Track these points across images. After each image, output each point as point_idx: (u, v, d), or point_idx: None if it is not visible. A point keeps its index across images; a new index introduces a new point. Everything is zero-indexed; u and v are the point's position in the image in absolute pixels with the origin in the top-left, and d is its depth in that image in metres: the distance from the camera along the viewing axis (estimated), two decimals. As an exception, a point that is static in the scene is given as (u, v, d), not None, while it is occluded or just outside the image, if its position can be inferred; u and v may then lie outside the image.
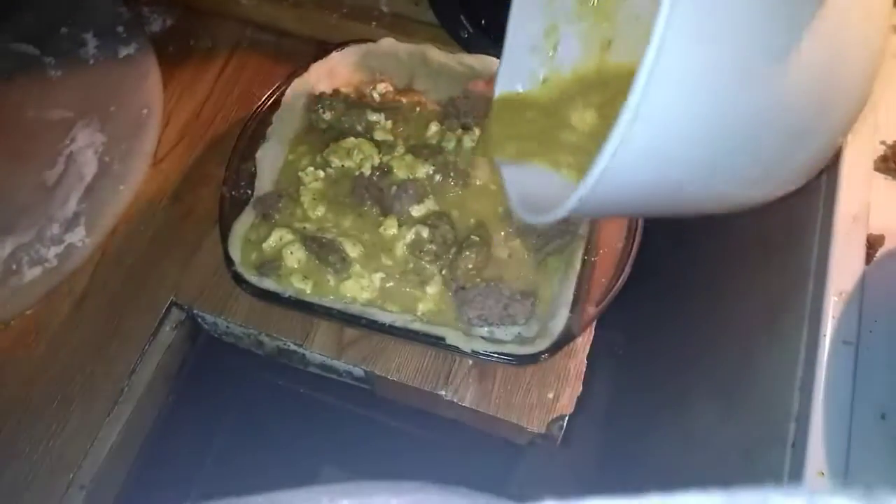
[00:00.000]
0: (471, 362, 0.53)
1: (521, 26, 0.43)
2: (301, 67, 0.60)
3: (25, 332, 0.56)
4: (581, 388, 0.53)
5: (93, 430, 0.53)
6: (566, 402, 0.52)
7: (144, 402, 0.56)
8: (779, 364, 0.60)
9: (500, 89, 0.45)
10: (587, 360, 0.54)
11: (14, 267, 0.57)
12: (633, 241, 0.51)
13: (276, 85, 0.60)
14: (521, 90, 0.45)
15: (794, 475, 0.52)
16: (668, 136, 0.27)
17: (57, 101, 0.64)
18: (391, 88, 0.60)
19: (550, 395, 0.52)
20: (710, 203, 0.35)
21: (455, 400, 0.52)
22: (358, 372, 0.55)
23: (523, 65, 0.44)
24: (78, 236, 0.58)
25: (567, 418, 0.52)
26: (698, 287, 0.70)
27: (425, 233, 0.51)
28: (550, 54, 0.44)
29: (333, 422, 0.65)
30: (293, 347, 0.56)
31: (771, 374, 0.60)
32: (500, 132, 0.44)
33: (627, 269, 0.50)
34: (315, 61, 0.61)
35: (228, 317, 0.56)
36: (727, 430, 0.62)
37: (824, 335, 0.55)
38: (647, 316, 0.69)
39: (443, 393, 0.53)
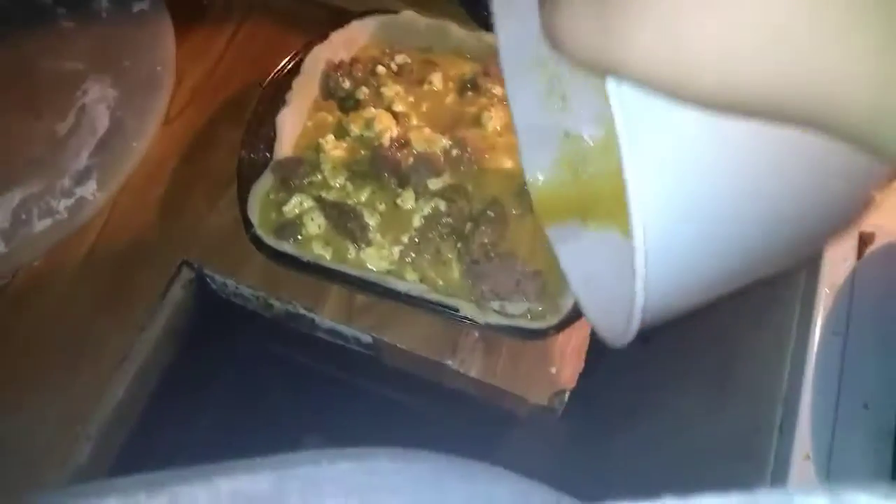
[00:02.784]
0: (477, 334, 0.54)
1: (521, 92, 0.40)
2: (320, 35, 0.61)
3: (33, 284, 0.56)
4: (583, 365, 0.55)
5: (101, 385, 0.54)
6: (568, 377, 0.54)
7: (151, 359, 0.56)
8: (769, 353, 0.62)
9: (527, 172, 0.42)
10: (589, 337, 0.56)
11: (23, 217, 0.57)
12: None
13: (296, 51, 0.60)
14: (541, 178, 0.41)
15: (782, 458, 0.55)
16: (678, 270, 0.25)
17: (69, 53, 0.64)
18: (409, 60, 0.61)
19: (553, 370, 0.54)
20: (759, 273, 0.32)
21: (461, 370, 0.54)
22: (366, 339, 0.56)
23: (539, 127, 0.40)
24: (89, 190, 0.58)
25: (568, 392, 0.54)
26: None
27: (442, 206, 0.52)
28: (560, 106, 0.40)
29: (333, 390, 0.66)
30: (303, 312, 0.56)
31: (761, 362, 0.63)
32: (541, 208, 0.41)
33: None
34: (332, 29, 0.61)
35: (240, 278, 0.56)
36: (719, 415, 0.65)
37: (815, 325, 0.58)
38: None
39: (449, 363, 0.54)
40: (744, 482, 0.58)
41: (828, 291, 0.58)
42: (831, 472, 0.54)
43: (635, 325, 0.27)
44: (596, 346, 0.57)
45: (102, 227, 0.59)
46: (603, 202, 0.39)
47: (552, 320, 0.50)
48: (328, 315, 0.56)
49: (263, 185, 0.53)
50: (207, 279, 0.58)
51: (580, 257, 0.39)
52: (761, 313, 0.64)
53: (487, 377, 0.54)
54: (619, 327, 0.30)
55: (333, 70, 0.59)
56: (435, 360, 0.54)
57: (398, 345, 0.55)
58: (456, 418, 0.63)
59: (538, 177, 0.40)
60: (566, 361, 0.54)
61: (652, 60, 0.20)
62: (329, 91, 0.59)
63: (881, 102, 0.17)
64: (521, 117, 0.40)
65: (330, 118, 0.57)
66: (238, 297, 0.59)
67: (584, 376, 0.56)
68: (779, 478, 0.55)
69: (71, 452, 0.51)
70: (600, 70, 0.21)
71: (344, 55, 0.61)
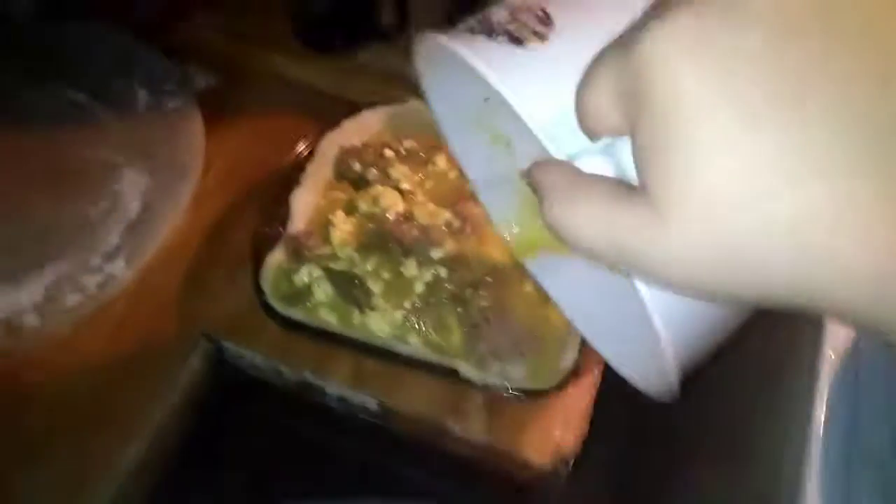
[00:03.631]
0: (481, 399, 0.55)
1: (468, 150, 0.40)
2: (334, 123, 0.66)
3: (61, 355, 0.60)
4: (587, 429, 0.55)
5: (115, 452, 0.56)
6: (571, 441, 0.54)
7: (168, 429, 0.59)
8: (780, 421, 0.62)
9: (496, 224, 0.41)
10: (595, 402, 0.56)
11: (55, 293, 0.61)
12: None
13: (311, 138, 0.65)
14: (513, 228, 0.40)
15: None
16: None
17: (106, 145, 0.70)
18: (416, 144, 0.65)
19: (557, 433, 0.55)
20: None
21: (464, 434, 0.55)
22: (373, 405, 0.58)
23: (493, 177, 0.40)
24: (118, 268, 0.63)
25: (573, 458, 0.54)
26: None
27: (443, 273, 0.55)
28: (506, 151, 0.39)
29: (345, 462, 0.67)
30: (311, 380, 0.59)
31: (773, 431, 0.62)
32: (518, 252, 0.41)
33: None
34: (345, 118, 0.67)
35: (254, 349, 0.59)
36: (733, 486, 0.64)
37: (821, 391, 0.58)
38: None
39: (453, 426, 0.55)
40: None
41: (832, 356, 0.59)
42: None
43: (671, 365, 0.26)
44: (602, 410, 0.58)
45: (128, 301, 0.62)
46: None
47: (551, 381, 0.51)
48: (336, 382, 0.58)
49: (276, 257, 0.57)
50: (225, 351, 0.61)
51: (569, 289, 0.39)
52: (771, 379, 0.65)
53: (490, 441, 0.55)
54: (652, 371, 0.29)
55: (346, 154, 0.63)
56: (439, 423, 0.56)
57: (402, 409, 0.56)
58: (465, 490, 0.63)
59: (510, 226, 0.41)
60: (569, 425, 0.55)
61: (677, 271, 0.20)
62: (341, 173, 0.63)
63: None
64: (476, 174, 0.41)
65: (342, 196, 0.62)
66: (253, 369, 0.62)
67: (591, 442, 0.56)
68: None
69: (84, 517, 0.53)
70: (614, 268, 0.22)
71: (356, 141, 0.65)
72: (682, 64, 0.18)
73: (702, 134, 0.18)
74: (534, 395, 0.51)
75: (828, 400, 0.59)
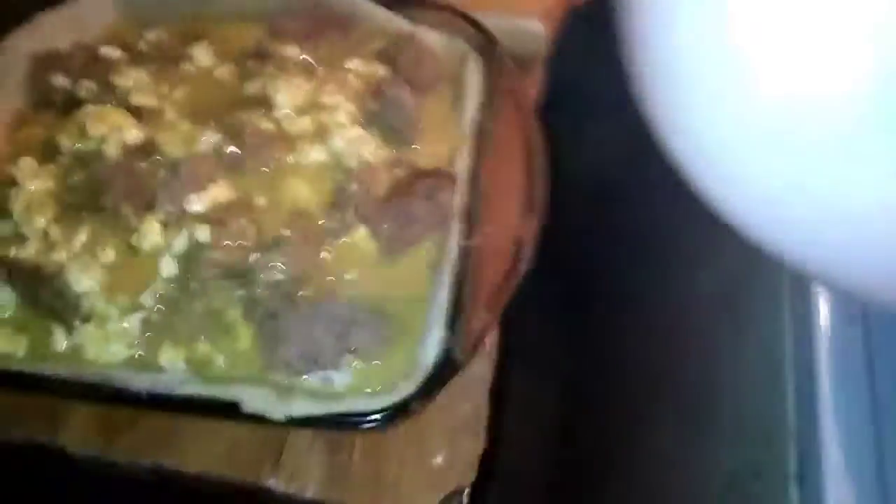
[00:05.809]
0: (310, 433, 0.34)
1: None
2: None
3: None
4: (485, 443, 0.35)
5: None
6: (463, 468, 0.34)
7: None
8: (759, 365, 0.43)
9: None
10: (491, 395, 0.36)
11: None
12: (536, 198, 0.33)
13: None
14: None
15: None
16: None
17: None
18: (166, 36, 0.41)
19: (439, 461, 0.34)
20: None
21: (292, 490, 0.33)
22: (147, 465, 0.35)
23: None
24: None
25: (468, 492, 0.34)
26: (634, 270, 0.53)
27: (204, 235, 0.32)
28: None
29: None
30: (45, 441, 0.35)
31: (751, 379, 0.43)
32: None
33: (527, 251, 0.32)
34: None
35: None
36: (700, 458, 0.45)
37: (817, 312, 0.39)
38: (570, 322, 0.52)
39: (272, 482, 0.33)
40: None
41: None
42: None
43: None
44: (507, 405, 0.37)
45: None
46: None
47: (408, 387, 0.30)
48: (78, 441, 0.35)
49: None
50: None
51: None
52: (732, 304, 0.45)
53: (335, 493, 0.33)
54: None
55: (41, 66, 0.39)
56: (250, 483, 0.34)
57: (189, 470, 0.34)
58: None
59: None
60: (457, 444, 0.34)
61: None
62: (41, 96, 0.39)
63: None
64: None
65: (38, 133, 0.37)
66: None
67: (495, 457, 0.36)
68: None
69: None
70: None
71: (65, 42, 0.41)
72: None
73: None
74: (385, 419, 0.30)
75: (830, 328, 0.40)
